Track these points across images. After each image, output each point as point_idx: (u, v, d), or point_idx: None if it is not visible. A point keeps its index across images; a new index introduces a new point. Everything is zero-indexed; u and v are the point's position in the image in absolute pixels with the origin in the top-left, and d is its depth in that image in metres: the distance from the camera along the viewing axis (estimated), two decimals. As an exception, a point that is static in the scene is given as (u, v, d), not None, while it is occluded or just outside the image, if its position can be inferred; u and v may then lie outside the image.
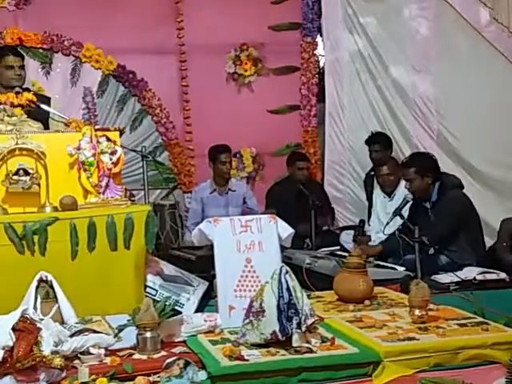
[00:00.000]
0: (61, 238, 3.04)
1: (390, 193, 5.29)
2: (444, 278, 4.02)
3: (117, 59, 6.03)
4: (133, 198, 4.93)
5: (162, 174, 5.87)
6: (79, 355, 2.52)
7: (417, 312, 2.86)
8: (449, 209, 4.31)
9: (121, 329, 2.75)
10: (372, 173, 5.75)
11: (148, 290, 3.20)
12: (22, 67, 4.15)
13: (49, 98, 4.18)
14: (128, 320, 2.75)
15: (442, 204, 4.35)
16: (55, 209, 3.16)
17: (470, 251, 4.33)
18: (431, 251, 4.32)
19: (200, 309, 3.27)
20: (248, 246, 3.07)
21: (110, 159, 3.27)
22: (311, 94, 6.60)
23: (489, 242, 4.74)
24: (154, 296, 3.15)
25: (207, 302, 3.43)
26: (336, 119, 6.55)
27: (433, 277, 4.03)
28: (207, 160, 5.68)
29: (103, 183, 3.26)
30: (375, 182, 5.52)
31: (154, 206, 5.20)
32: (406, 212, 4.38)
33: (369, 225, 5.43)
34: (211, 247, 3.14)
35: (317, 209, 5.25)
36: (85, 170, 3.26)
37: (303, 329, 2.59)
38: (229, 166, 5.57)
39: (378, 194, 5.43)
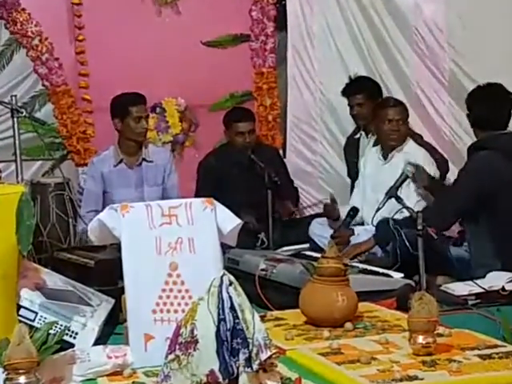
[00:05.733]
0: None
1: (388, 152, 5.21)
2: (459, 287, 4.08)
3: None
4: (-2, 174, 4.89)
5: (43, 138, 5.78)
6: None
7: (420, 339, 2.88)
8: (461, 174, 4.36)
9: (-19, 372, 2.71)
10: (357, 136, 5.77)
11: (23, 312, 3.17)
12: None
13: None
14: (-8, 358, 2.72)
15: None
16: None
17: (494, 247, 4.39)
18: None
19: (102, 339, 3.27)
20: (173, 246, 3.07)
21: (-38, 116, 3.23)
22: (267, 18, 6.59)
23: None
24: (33, 321, 3.14)
25: (113, 329, 3.43)
26: (303, 56, 6.56)
27: (443, 286, 4.10)
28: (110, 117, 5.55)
29: (-48, 152, 3.23)
30: (365, 143, 5.50)
31: (32, 185, 5.16)
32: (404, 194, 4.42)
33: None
34: (118, 247, 3.12)
35: (275, 188, 5.26)
36: None
37: (255, 367, 2.59)
38: (145, 125, 5.44)
39: (371, 158, 5.36)
